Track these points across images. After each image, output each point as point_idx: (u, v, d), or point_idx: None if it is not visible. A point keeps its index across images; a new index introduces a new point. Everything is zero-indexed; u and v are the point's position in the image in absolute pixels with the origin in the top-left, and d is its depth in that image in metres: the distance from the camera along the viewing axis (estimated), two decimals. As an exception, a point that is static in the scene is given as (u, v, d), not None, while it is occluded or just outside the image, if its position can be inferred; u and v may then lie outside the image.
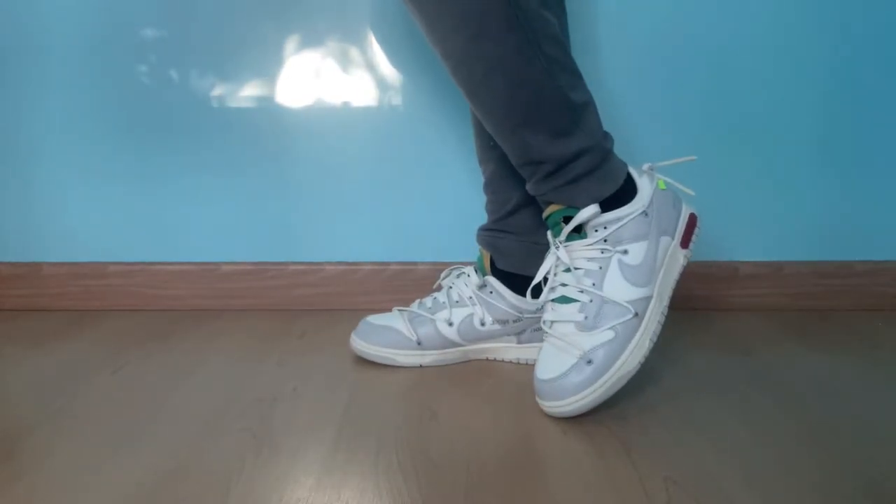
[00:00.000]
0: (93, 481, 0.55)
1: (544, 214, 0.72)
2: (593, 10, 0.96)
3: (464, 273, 0.83)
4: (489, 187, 0.84)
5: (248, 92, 1.00)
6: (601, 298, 0.65)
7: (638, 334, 0.65)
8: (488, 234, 0.83)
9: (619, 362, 0.63)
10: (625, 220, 0.67)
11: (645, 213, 0.67)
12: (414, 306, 0.82)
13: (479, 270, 0.82)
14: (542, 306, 0.71)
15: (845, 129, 1.00)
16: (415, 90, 0.99)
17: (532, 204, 0.79)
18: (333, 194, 1.03)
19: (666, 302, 0.68)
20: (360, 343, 0.81)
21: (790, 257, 1.03)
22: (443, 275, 0.86)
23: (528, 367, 0.79)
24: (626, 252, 0.66)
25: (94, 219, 1.04)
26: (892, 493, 0.52)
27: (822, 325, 0.95)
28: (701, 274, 1.02)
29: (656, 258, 0.67)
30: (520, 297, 0.79)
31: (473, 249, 1.01)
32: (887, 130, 1.00)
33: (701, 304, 1.03)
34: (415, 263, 1.03)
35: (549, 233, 0.71)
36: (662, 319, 0.67)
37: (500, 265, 0.81)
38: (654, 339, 0.66)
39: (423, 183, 1.02)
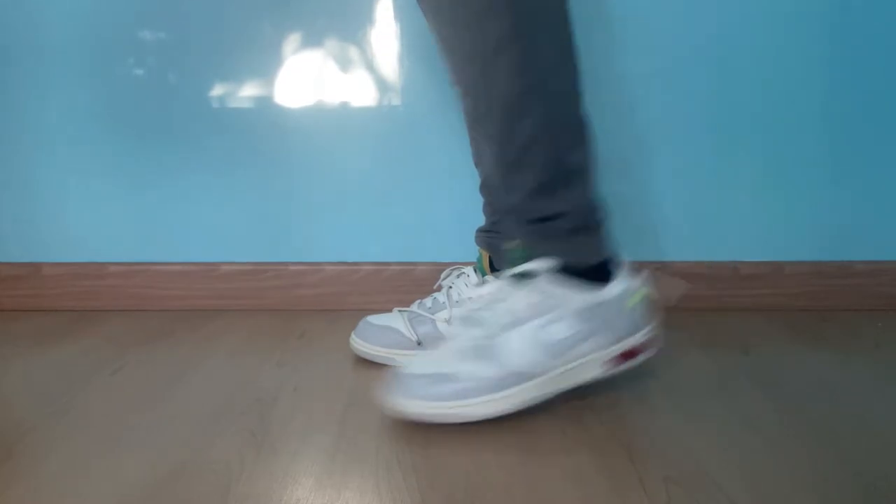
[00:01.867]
0: (93, 481, 0.55)
1: (507, 246, 0.70)
2: (593, 13, 0.96)
3: (464, 273, 0.83)
4: (485, 189, 0.84)
5: (249, 92, 1.00)
6: (499, 344, 0.63)
7: (501, 393, 0.62)
8: (486, 235, 0.83)
9: (466, 402, 0.62)
10: (568, 299, 0.64)
11: (590, 309, 0.64)
12: (414, 306, 0.82)
13: (479, 271, 0.82)
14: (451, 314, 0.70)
15: (846, 129, 1.00)
16: (415, 91, 0.99)
17: None
18: (333, 194, 1.03)
19: (548, 391, 0.64)
20: (360, 343, 0.81)
21: (790, 257, 1.03)
22: (443, 275, 0.86)
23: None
24: (548, 323, 0.63)
25: (94, 219, 1.04)
26: (893, 494, 0.52)
27: (822, 325, 0.95)
28: (701, 274, 1.02)
29: (570, 351, 0.64)
30: None
31: (473, 250, 1.01)
32: (887, 130, 1.00)
33: (701, 304, 1.03)
34: (415, 263, 1.03)
35: (507, 256, 0.69)
36: (532, 403, 0.64)
37: (498, 265, 0.81)
38: (511, 410, 0.63)
39: (423, 183, 1.02)
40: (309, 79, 1.00)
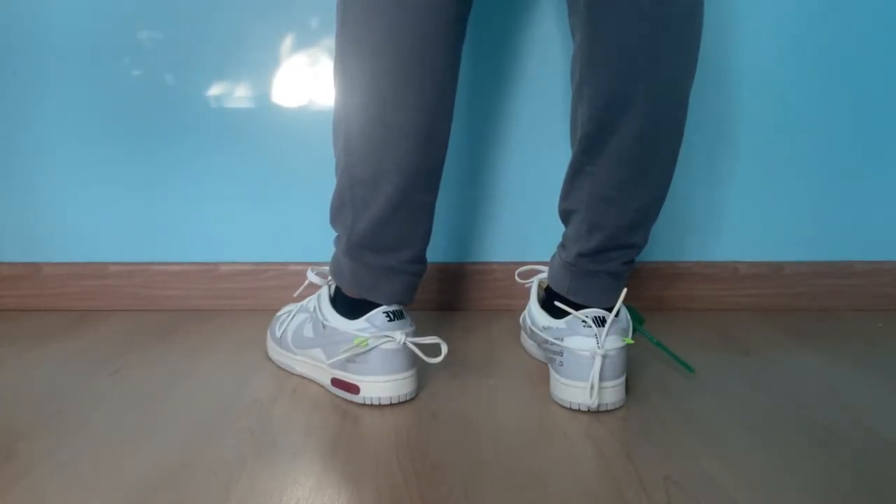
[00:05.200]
0: (92, 481, 0.55)
1: None
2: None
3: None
4: None
5: (248, 92, 1.00)
6: (293, 319, 0.80)
7: (280, 350, 0.80)
8: None
9: (269, 345, 0.83)
10: (319, 312, 0.74)
11: (323, 327, 0.73)
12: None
13: None
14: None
15: (845, 129, 1.00)
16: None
17: None
18: (333, 194, 1.02)
19: (302, 372, 0.77)
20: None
21: (790, 257, 1.03)
22: None
23: (531, 369, 0.79)
24: (305, 322, 0.77)
25: (94, 219, 1.04)
26: (893, 494, 0.52)
27: (822, 325, 0.95)
28: (701, 274, 1.02)
29: (308, 350, 0.75)
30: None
31: (473, 250, 1.01)
32: (887, 130, 1.00)
33: (701, 304, 1.03)
34: (415, 263, 1.03)
35: None
36: (292, 371, 0.78)
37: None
38: (278, 364, 0.81)
39: (423, 183, 1.01)
40: (308, 79, 1.00)
